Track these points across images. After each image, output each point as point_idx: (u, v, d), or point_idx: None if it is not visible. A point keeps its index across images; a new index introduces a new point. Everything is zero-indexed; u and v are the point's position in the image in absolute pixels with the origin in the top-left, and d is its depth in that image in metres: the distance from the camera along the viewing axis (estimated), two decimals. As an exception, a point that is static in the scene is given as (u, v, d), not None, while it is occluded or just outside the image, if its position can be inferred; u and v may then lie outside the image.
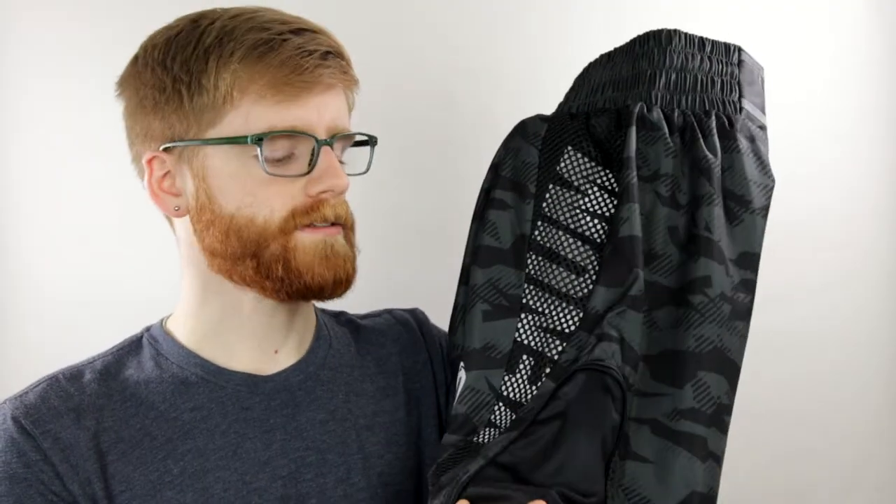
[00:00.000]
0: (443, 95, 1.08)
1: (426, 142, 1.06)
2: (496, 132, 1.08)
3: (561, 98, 0.78)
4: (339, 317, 0.83)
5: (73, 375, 0.68)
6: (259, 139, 0.64)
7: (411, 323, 0.84)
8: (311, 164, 0.65)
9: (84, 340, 0.96)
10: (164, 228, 0.99)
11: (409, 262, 1.06)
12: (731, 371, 0.65)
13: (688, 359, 0.64)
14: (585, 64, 0.77)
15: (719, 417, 0.63)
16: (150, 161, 0.69)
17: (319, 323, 0.78)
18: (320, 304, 0.83)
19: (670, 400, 0.64)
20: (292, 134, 0.65)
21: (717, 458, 0.63)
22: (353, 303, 0.86)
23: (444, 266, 1.06)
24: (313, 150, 0.65)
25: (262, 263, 0.66)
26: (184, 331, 0.72)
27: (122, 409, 0.67)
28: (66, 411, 0.65)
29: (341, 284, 0.68)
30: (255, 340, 0.71)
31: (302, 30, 0.67)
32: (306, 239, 0.66)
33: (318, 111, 0.66)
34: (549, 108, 0.79)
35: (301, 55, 0.65)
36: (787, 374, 1.22)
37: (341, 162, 0.70)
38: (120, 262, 0.99)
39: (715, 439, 0.63)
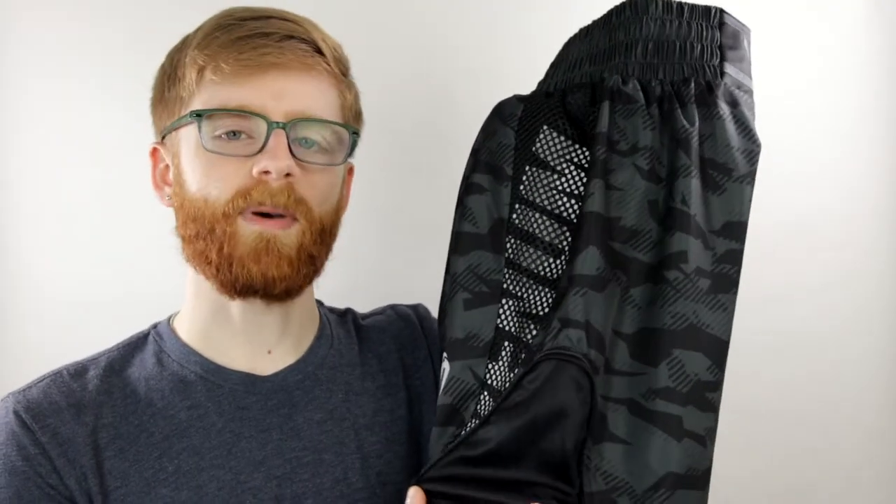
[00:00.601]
0: (443, 96, 1.08)
1: (426, 142, 1.06)
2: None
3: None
4: (345, 315, 0.83)
5: (78, 371, 0.69)
6: (198, 115, 0.65)
7: (412, 319, 0.84)
8: (262, 146, 0.65)
9: (84, 340, 0.95)
10: (164, 228, 0.99)
11: (409, 261, 1.06)
12: (712, 347, 0.63)
13: (663, 336, 0.63)
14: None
15: (698, 395, 0.62)
16: (152, 153, 0.73)
17: (323, 322, 0.78)
18: (359, 303, 0.84)
19: (646, 379, 0.62)
20: (240, 114, 0.65)
21: (697, 437, 0.61)
22: (352, 302, 0.87)
23: (443, 264, 1.06)
24: (266, 131, 0.65)
25: (207, 247, 0.66)
26: (185, 328, 0.73)
27: (122, 406, 0.67)
28: (66, 407, 0.66)
29: (273, 282, 0.66)
30: (244, 339, 0.71)
31: (269, 17, 0.68)
32: (245, 229, 0.65)
33: (273, 94, 0.65)
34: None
35: (254, 36, 0.65)
36: (787, 374, 1.22)
37: (325, 150, 0.69)
38: (120, 262, 0.99)
39: (693, 418, 0.61)
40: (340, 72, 0.71)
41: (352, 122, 0.73)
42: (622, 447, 0.61)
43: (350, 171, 0.78)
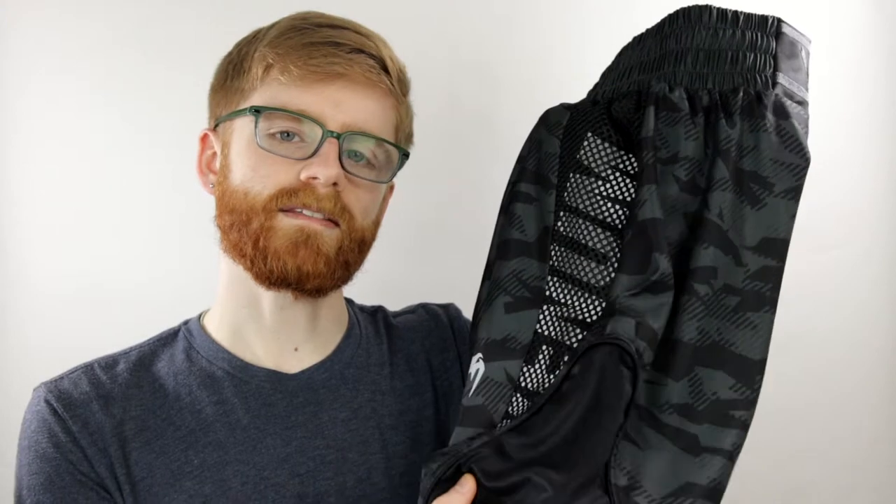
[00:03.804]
0: (444, 94, 1.08)
1: (426, 141, 1.06)
2: (497, 131, 1.08)
3: (563, 96, 0.78)
4: (376, 314, 0.83)
5: (108, 364, 0.71)
6: (256, 111, 0.66)
7: (442, 319, 0.83)
8: (314, 152, 0.66)
9: (84, 340, 0.96)
10: (164, 228, 0.99)
11: (407, 259, 1.06)
12: (734, 365, 0.61)
13: (688, 351, 0.62)
14: (591, 60, 0.76)
15: (718, 413, 0.61)
16: (202, 138, 0.73)
17: (352, 321, 0.79)
18: (359, 302, 0.83)
19: (666, 391, 0.62)
20: (297, 117, 0.66)
21: (721, 452, 0.60)
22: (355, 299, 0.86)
23: (443, 263, 1.06)
24: (320, 138, 0.66)
25: (241, 239, 0.66)
26: (215, 325, 0.73)
27: (150, 400, 0.69)
28: (95, 398, 0.67)
29: (307, 277, 0.66)
30: (272, 336, 0.72)
31: (343, 28, 0.69)
32: (285, 222, 0.65)
33: (334, 103, 0.66)
34: (549, 105, 0.78)
35: (325, 44, 0.66)
36: (787, 374, 1.22)
37: (373, 166, 0.70)
38: (120, 261, 0.99)
39: (710, 435, 0.60)
40: (402, 92, 0.72)
41: (403, 143, 0.74)
42: (635, 449, 0.61)
43: (391, 188, 0.78)
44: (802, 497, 1.24)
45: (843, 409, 1.26)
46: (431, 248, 1.08)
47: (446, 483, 0.59)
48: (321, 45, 0.66)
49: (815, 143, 1.19)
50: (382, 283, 0.96)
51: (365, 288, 0.80)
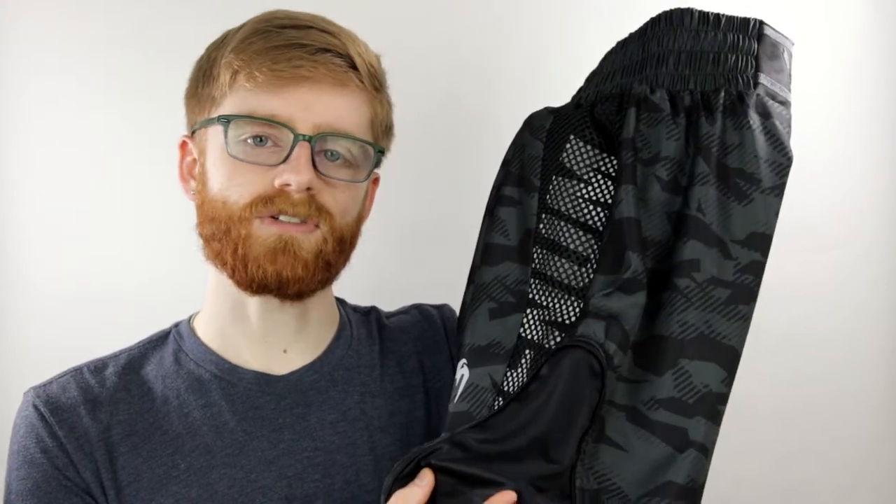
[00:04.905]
0: (444, 94, 1.08)
1: (425, 140, 1.06)
2: (497, 131, 1.08)
3: (563, 96, 0.78)
4: (369, 314, 0.82)
5: (97, 368, 0.70)
6: (226, 120, 0.65)
7: (436, 321, 0.83)
8: (286, 157, 0.65)
9: (83, 340, 0.96)
10: (164, 228, 0.99)
11: (402, 258, 1.06)
12: (726, 357, 0.62)
13: (670, 345, 0.62)
14: (588, 60, 0.76)
15: (707, 406, 0.61)
16: (181, 146, 0.73)
17: (343, 322, 0.78)
18: (352, 302, 0.83)
19: (649, 387, 0.62)
20: (267, 122, 0.65)
21: (701, 448, 0.60)
22: (347, 298, 0.86)
23: (438, 263, 1.06)
24: (291, 142, 0.65)
25: (222, 247, 0.66)
26: (203, 327, 0.73)
27: (138, 404, 0.68)
28: (83, 402, 0.67)
29: (287, 283, 0.66)
30: (260, 338, 0.71)
31: (308, 27, 0.67)
32: (263, 230, 0.65)
33: (303, 106, 0.65)
34: (549, 105, 0.78)
35: (289, 46, 0.65)
36: (787, 374, 1.22)
37: (350, 163, 0.69)
38: (119, 261, 0.99)
39: (698, 429, 0.60)
40: (374, 87, 0.71)
41: (381, 136, 0.73)
42: (617, 452, 0.61)
43: (375, 180, 0.78)
44: (802, 497, 1.24)
45: (842, 409, 1.25)
46: (427, 248, 1.08)
47: (405, 479, 0.60)
48: (285, 48, 0.65)
49: (816, 143, 1.21)
50: (377, 282, 0.97)
51: (358, 287, 0.80)
